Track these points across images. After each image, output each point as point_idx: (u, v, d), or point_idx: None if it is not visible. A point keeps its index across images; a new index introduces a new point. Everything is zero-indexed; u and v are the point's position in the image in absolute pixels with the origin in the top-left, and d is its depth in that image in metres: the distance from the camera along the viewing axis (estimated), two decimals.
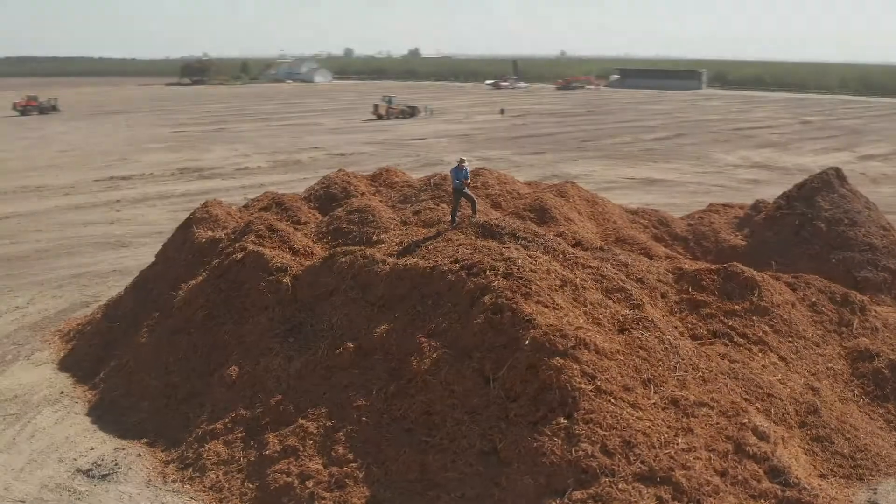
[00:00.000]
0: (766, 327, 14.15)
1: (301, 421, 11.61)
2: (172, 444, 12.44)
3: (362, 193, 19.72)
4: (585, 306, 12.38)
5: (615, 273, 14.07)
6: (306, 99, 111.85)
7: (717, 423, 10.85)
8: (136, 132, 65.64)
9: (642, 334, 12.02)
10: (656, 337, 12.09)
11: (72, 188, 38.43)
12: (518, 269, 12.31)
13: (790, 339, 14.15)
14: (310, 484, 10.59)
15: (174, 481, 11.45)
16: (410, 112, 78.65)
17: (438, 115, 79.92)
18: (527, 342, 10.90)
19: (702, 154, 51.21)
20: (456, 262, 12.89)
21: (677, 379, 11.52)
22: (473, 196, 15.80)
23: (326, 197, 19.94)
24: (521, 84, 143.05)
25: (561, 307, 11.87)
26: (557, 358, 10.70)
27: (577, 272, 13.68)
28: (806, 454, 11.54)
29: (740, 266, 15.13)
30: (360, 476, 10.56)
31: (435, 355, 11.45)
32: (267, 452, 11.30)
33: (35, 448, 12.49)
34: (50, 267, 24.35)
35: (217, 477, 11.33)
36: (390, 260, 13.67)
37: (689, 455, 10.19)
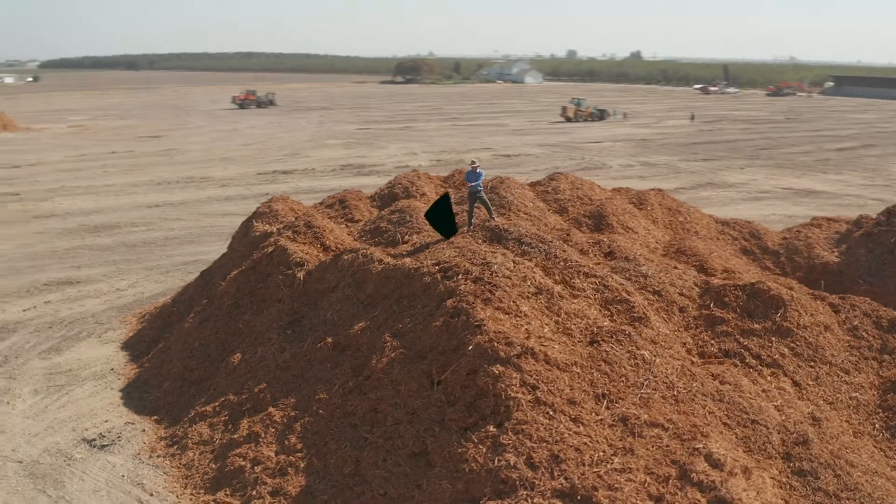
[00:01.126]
0: (786, 349, 13.11)
1: (270, 409, 12.14)
2: (173, 423, 13.37)
3: (423, 194, 20.03)
4: (559, 315, 12.05)
5: (621, 284, 13.54)
6: (506, 100, 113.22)
7: (667, 446, 10.23)
8: (324, 128, 69.44)
9: (612, 348, 11.53)
10: (627, 351, 11.56)
11: (230, 180, 41.23)
12: (491, 274, 12.19)
13: (812, 363, 13.02)
14: (258, 469, 11.08)
15: (158, 456, 12.32)
16: (599, 115, 77.64)
17: (630, 119, 78.42)
18: (470, 347, 10.81)
19: (879, 166, 47.37)
20: (437, 264, 12.94)
21: (640, 396, 10.97)
22: (487, 199, 15.71)
23: (389, 196, 20.45)
24: (730, 89, 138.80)
25: (525, 315, 11.64)
26: (498, 365, 10.54)
27: (576, 280, 13.34)
28: (780, 487, 10.60)
29: (767, 283, 14.08)
30: (302, 466, 10.93)
31: (392, 354, 11.60)
32: (235, 436, 11.93)
33: (59, 417, 13.82)
34: (168, 254, 26.52)
35: (193, 456, 12.08)
36: (387, 259, 13.93)
37: (620, 476, 9.71)
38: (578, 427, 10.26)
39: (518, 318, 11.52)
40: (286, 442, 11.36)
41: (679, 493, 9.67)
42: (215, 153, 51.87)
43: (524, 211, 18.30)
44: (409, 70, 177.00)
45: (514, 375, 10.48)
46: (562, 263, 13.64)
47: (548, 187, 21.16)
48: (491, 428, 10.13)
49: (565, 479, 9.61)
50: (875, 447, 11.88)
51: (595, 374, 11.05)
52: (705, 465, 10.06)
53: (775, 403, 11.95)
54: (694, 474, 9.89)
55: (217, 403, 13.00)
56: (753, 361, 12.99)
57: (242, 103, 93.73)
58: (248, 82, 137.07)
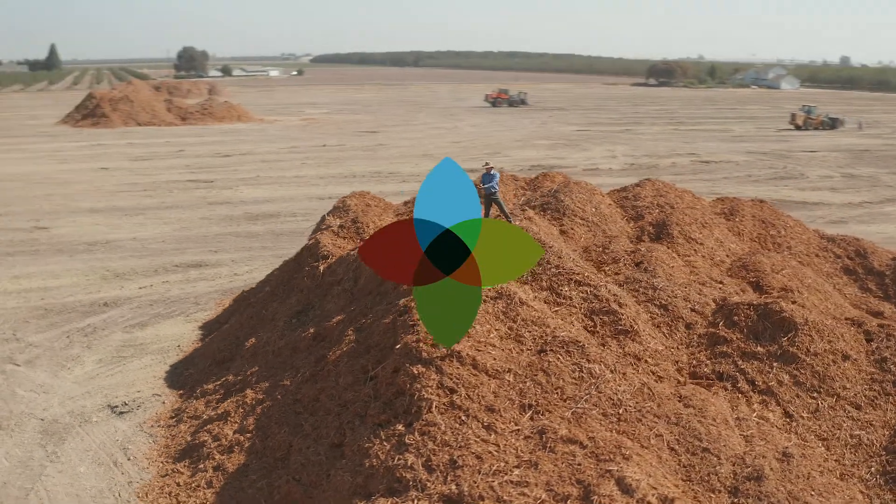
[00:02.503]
0: (786, 376, 11.96)
1: (247, 391, 12.91)
2: (187, 398, 14.55)
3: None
4: (514, 322, 11.78)
5: (613, 295, 12.96)
6: (750, 105, 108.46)
7: (578, 464, 9.76)
8: (543, 128, 70.59)
9: (558, 358, 11.13)
10: (574, 364, 11.11)
11: (413, 177, 42.16)
12: None
13: (814, 394, 11.78)
14: (213, 445, 11.88)
15: (159, 426, 13.49)
16: (831, 124, 72.06)
17: (866, 129, 72.86)
18: (398, 346, 10.92)
19: None
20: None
21: (573, 411, 10.55)
22: (502, 201, 15.48)
23: None
24: None
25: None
26: (419, 365, 10.57)
27: (564, 288, 12.98)
28: None
29: (781, 304, 12.84)
30: (246, 446, 11.58)
31: (346, 348, 11.95)
32: (213, 413, 12.83)
33: (102, 384, 15.42)
34: (302, 243, 28.40)
35: (182, 429, 13.13)
36: None
37: (514, 489, 9.44)
38: (489, 435, 10.07)
39: None
40: (244, 422, 12.07)
41: None
42: (418, 150, 53.92)
43: (580, 216, 17.82)
44: (663, 73, 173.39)
45: (433, 377, 10.47)
46: (553, 270, 13.27)
47: (629, 193, 20.40)
48: (399, 426, 10.22)
49: (456, 485, 9.49)
50: (862, 492, 10.58)
51: (528, 384, 10.75)
52: (614, 488, 9.50)
53: (746, 433, 10.99)
54: (596, 497, 9.38)
55: (219, 382, 13.99)
56: (746, 387, 12.00)
57: (495, 101, 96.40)
58: (506, 81, 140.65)
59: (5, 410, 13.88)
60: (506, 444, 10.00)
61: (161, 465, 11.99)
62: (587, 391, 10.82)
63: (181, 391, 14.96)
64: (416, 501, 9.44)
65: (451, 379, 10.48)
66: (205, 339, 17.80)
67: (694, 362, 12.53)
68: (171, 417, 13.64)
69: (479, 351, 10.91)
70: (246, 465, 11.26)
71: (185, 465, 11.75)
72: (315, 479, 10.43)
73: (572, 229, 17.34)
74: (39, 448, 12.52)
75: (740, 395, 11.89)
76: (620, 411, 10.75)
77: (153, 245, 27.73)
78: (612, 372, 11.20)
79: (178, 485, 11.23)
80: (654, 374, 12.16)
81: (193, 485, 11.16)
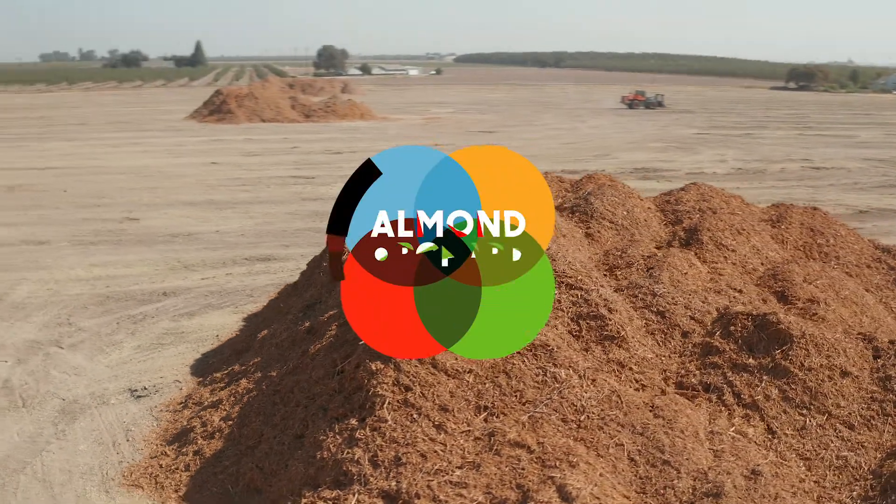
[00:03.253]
0: (775, 391, 11.40)
1: (242, 381, 13.37)
2: (201, 385, 15.18)
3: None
4: None
5: (604, 300, 12.67)
6: (887, 111, 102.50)
7: (522, 469, 9.66)
8: (663, 131, 69.28)
9: (523, 361, 11.00)
10: (539, 367, 10.95)
11: None
12: None
13: (803, 410, 11.17)
14: (199, 431, 12.37)
15: (168, 411, 14.14)
16: None
17: None
18: (361, 342, 11.06)
19: None
20: None
21: (531, 415, 10.42)
22: None
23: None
24: None
25: None
26: (378, 362, 10.69)
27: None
28: None
29: (779, 315, 12.19)
30: (226, 433, 12.00)
31: (326, 342, 12.20)
32: (210, 400, 13.35)
33: (132, 368, 16.24)
34: None
35: (185, 414, 13.72)
36: None
37: (452, 489, 9.45)
38: (438, 434, 10.10)
39: None
40: (231, 411, 12.52)
41: None
42: (528, 150, 53.57)
43: (609, 219, 17.48)
44: (803, 76, 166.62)
45: (391, 374, 10.57)
46: None
47: (671, 198, 19.85)
48: (353, 421, 10.38)
49: (396, 481, 9.59)
50: None
51: (487, 386, 10.70)
52: (553, 495, 9.36)
53: (717, 448, 10.56)
54: (533, 503, 9.30)
55: (226, 371, 14.53)
56: (731, 399, 11.51)
57: (631, 103, 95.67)
58: (643, 83, 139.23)
59: (34, 389, 14.86)
60: (453, 445, 10.01)
61: (154, 447, 12.58)
62: (549, 396, 10.66)
63: (200, 379, 15.60)
64: (357, 495, 9.59)
65: (408, 377, 10.55)
66: (241, 330, 18.49)
67: (682, 372, 12.11)
68: (180, 403, 14.26)
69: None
70: (222, 451, 11.69)
71: (172, 449, 12.29)
72: (275, 468, 10.74)
73: (599, 232, 17.04)
74: (51, 426, 13.35)
75: (724, 408, 11.43)
76: (582, 418, 10.55)
77: (231, 238, 28.88)
78: (580, 378, 10.99)
79: (160, 466, 11.77)
80: (637, 381, 11.86)
81: (173, 467, 11.67)
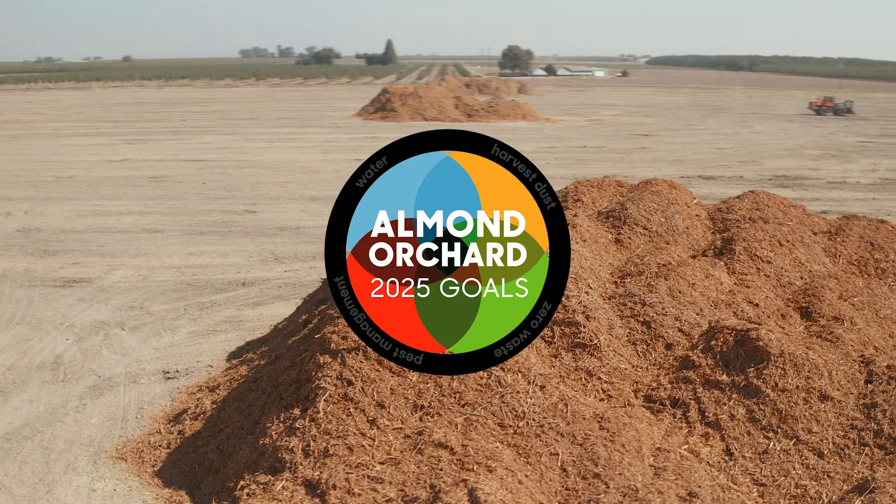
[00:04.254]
0: (742, 410, 10.77)
1: (242, 367, 14.09)
2: (224, 370, 16.05)
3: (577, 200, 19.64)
4: None
5: (583, 307, 12.39)
6: None
7: (440, 469, 9.70)
8: (826, 139, 65.75)
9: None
10: (485, 371, 10.90)
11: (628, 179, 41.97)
12: None
13: (769, 433, 10.49)
14: (190, 412, 13.16)
15: (185, 393, 15.05)
16: None
17: None
18: (317, 335, 11.41)
19: None
20: None
21: (466, 417, 10.42)
22: None
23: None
24: None
25: None
26: (326, 356, 11.02)
27: None
28: None
29: (760, 332, 11.44)
30: (208, 416, 12.71)
31: (299, 335, 12.66)
32: (215, 384, 14.14)
33: (175, 352, 17.30)
34: None
35: (197, 396, 14.60)
36: None
37: (368, 483, 9.66)
38: (370, 429, 10.31)
39: None
40: (220, 395, 13.24)
41: None
42: (673, 156, 52.29)
43: (643, 226, 16.93)
44: None
45: (336, 368, 10.87)
46: None
47: (724, 206, 18.95)
48: (296, 411, 10.77)
49: (320, 471, 9.91)
50: None
51: (429, 385, 10.77)
52: (463, 498, 9.36)
53: (659, 466, 10.13)
54: None
55: (242, 358, 15.33)
56: (695, 416, 11.00)
57: (819, 110, 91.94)
58: (830, 89, 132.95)
59: (79, 366, 16.25)
60: (382, 441, 10.20)
61: (154, 425, 13.47)
62: (489, 399, 10.61)
63: (227, 364, 16.49)
64: (284, 481, 10.00)
65: (351, 371, 10.82)
66: (287, 320, 19.35)
67: (654, 384, 11.66)
68: (197, 386, 15.17)
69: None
70: (199, 432, 12.40)
71: (165, 427, 13.14)
72: (230, 451, 11.31)
73: (630, 238, 16.57)
74: (76, 400, 14.57)
75: (686, 425, 10.93)
76: (521, 424, 10.42)
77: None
78: (528, 384, 10.85)
79: (149, 443, 12.62)
80: (604, 392, 11.57)
81: (157, 444, 12.50)
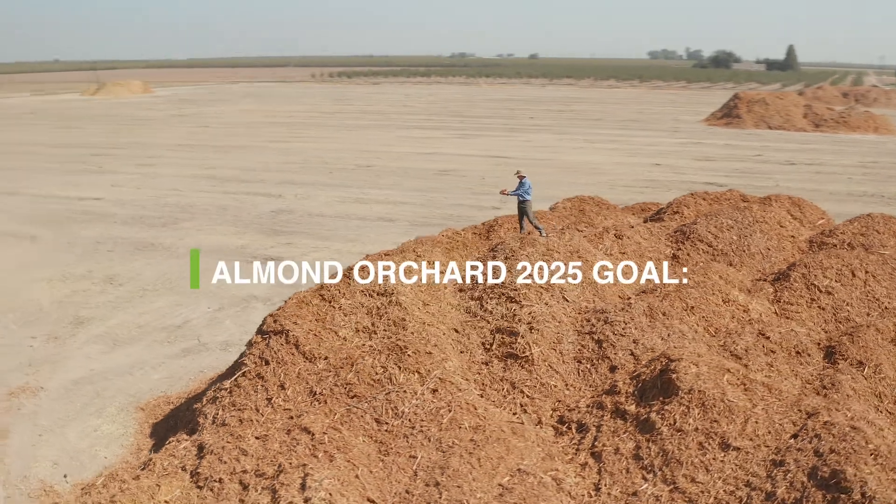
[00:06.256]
0: (630, 445, 9.82)
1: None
2: None
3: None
4: (380, 319, 12.06)
5: (531, 318, 12.00)
6: None
7: (293, 452, 10.17)
8: None
9: (373, 360, 11.27)
10: (383, 368, 11.13)
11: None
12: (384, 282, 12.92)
13: (648, 474, 9.45)
14: (211, 376, 14.82)
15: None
16: None
17: None
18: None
19: None
20: None
21: (347, 409, 10.77)
22: (528, 212, 14.55)
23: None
24: None
25: (348, 311, 12.24)
26: (259, 336, 12.05)
27: (491, 302, 12.57)
28: None
29: (680, 364, 10.12)
30: (213, 380, 14.25)
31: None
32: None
33: (221, 328, 18.50)
34: None
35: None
36: None
37: (236, 453, 10.45)
38: (266, 407, 11.18)
39: (334, 307, 12.29)
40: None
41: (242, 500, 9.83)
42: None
43: (708, 243, 15.86)
44: None
45: (261, 347, 11.80)
46: (490, 282, 12.74)
47: (836, 228, 16.52)
48: (227, 383, 11.89)
49: (211, 437, 10.92)
50: None
51: (329, 375, 11.28)
52: (296, 480, 9.81)
53: (509, 486, 9.65)
54: (276, 483, 9.83)
55: None
56: (587, 444, 10.23)
57: None
58: None
59: (192, 331, 18.32)
60: (268, 418, 10.97)
61: (192, 385, 15.30)
62: (374, 395, 10.83)
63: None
64: (187, 443, 11.20)
65: (271, 352, 11.67)
66: None
67: (572, 405, 10.95)
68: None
69: (313, 335, 11.76)
70: (198, 394, 13.99)
71: (196, 388, 14.95)
72: (198, 412, 12.67)
73: (688, 255, 15.30)
74: (162, 358, 16.55)
75: (574, 452, 10.19)
76: (396, 423, 10.54)
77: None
78: (420, 385, 10.87)
79: (167, 401, 14.44)
80: (521, 406, 11.22)
81: (169, 402, 14.27)
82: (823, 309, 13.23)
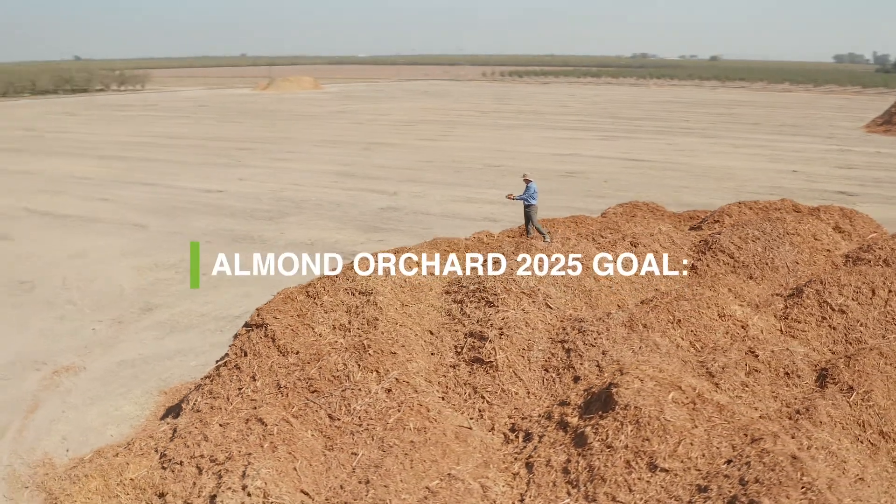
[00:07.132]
0: (562, 458, 9.61)
1: None
2: None
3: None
4: (356, 318, 12.28)
5: (503, 325, 11.90)
6: None
7: (244, 441, 10.59)
8: None
9: (338, 358, 11.51)
10: (344, 365, 11.33)
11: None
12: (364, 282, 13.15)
13: (571, 489, 9.21)
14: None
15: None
16: None
17: None
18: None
19: None
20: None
21: (306, 402, 11.09)
22: (532, 216, 14.22)
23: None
24: None
25: (329, 308, 12.55)
26: (244, 328, 12.54)
27: (470, 306, 12.54)
28: None
29: (621, 379, 9.71)
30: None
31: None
32: None
33: (252, 301, 19.10)
34: None
35: None
36: None
37: (198, 439, 10.97)
38: (236, 396, 11.68)
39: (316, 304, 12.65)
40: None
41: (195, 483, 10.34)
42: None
43: (731, 255, 14.94)
44: None
45: (243, 339, 12.32)
46: (475, 286, 12.66)
47: (871, 243, 15.23)
48: (212, 371, 12.51)
49: (186, 422, 11.54)
50: None
51: (294, 370, 11.63)
52: (239, 468, 10.21)
53: (436, 491, 9.65)
54: (222, 469, 10.28)
55: None
56: (525, 455, 10.08)
57: None
58: None
59: (222, 312, 19.60)
60: (235, 407, 11.47)
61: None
62: (331, 391, 11.09)
63: None
64: (166, 426, 11.91)
65: (249, 344, 12.19)
66: None
67: (524, 414, 10.78)
68: None
69: (290, 329, 12.16)
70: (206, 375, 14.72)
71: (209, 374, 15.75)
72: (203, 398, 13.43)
73: (707, 266, 14.61)
74: (208, 346, 17.52)
75: (512, 461, 10.06)
76: (346, 420, 10.77)
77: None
78: (377, 384, 11.04)
79: (188, 386, 15.36)
80: (479, 411, 11.21)
81: (186, 388, 15.14)
82: (834, 328, 12.32)
